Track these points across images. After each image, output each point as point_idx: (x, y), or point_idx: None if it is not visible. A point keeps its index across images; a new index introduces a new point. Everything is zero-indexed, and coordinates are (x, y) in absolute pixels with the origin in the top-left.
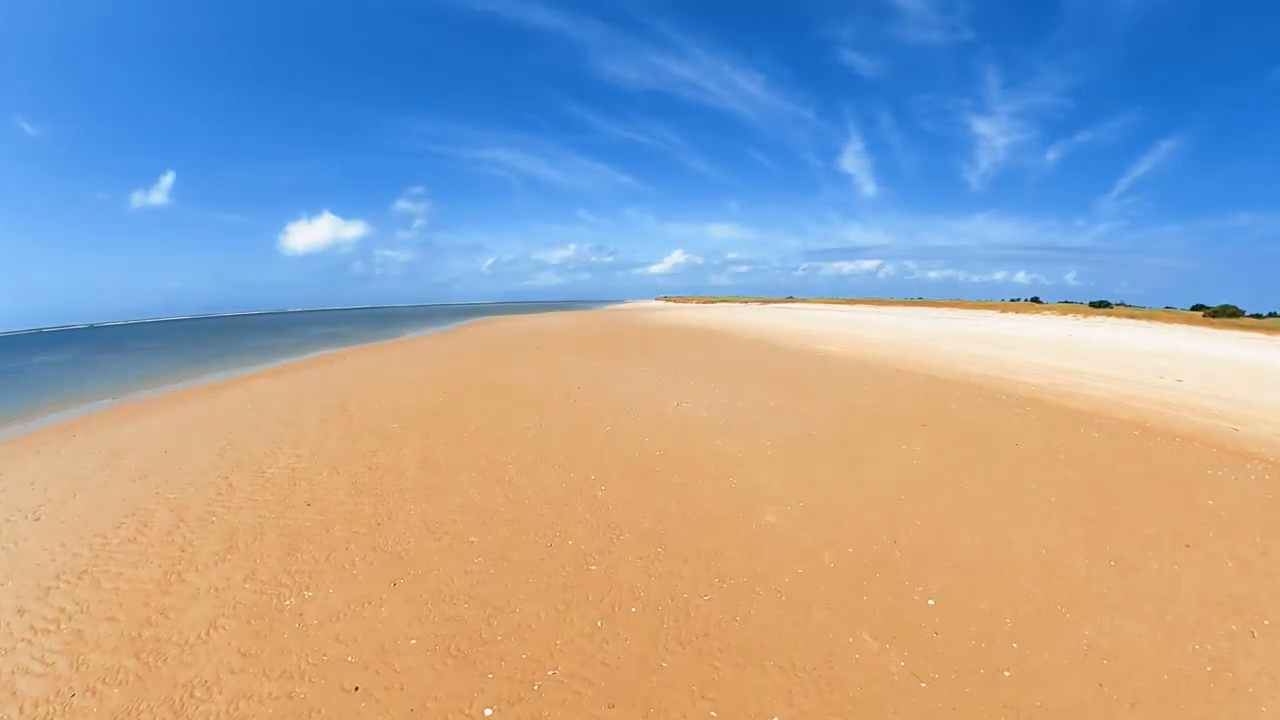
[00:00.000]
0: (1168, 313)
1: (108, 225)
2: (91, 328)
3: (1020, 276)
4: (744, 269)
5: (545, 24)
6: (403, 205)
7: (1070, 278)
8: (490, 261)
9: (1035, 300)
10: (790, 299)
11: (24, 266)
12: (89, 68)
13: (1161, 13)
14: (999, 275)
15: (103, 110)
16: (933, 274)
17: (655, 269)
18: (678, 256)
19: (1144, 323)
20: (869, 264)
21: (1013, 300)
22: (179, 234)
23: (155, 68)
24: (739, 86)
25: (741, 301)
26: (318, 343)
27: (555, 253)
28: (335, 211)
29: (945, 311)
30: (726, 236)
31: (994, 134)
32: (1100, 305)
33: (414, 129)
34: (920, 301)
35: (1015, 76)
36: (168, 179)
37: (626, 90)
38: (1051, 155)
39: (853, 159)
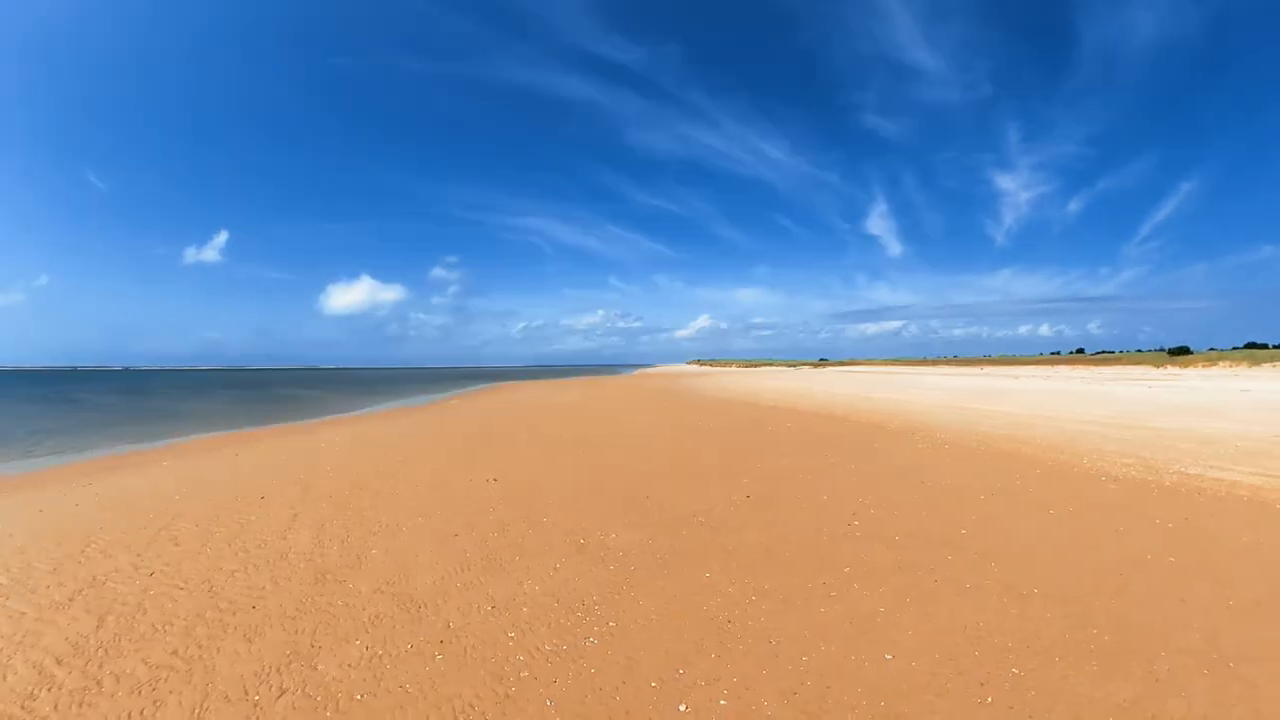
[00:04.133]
0: (1248, 352)
1: (160, 276)
2: (127, 370)
3: (1044, 329)
4: (768, 332)
5: (581, 96)
6: (438, 272)
7: (1094, 327)
8: (521, 326)
9: (1080, 352)
10: (823, 361)
11: (69, 307)
12: (156, 129)
13: (1173, 53)
14: (1023, 329)
15: (167, 169)
16: (957, 331)
17: (680, 333)
18: (703, 321)
19: (1244, 367)
20: (893, 324)
21: (1054, 353)
22: (224, 288)
23: (218, 132)
24: (766, 153)
25: (787, 365)
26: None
27: (583, 318)
28: (374, 275)
29: (1021, 370)
30: (753, 300)
31: (1016, 188)
32: (1180, 352)
33: (451, 196)
34: (978, 360)
35: (1035, 129)
36: (221, 237)
37: (659, 159)
38: (1074, 205)
39: (878, 220)
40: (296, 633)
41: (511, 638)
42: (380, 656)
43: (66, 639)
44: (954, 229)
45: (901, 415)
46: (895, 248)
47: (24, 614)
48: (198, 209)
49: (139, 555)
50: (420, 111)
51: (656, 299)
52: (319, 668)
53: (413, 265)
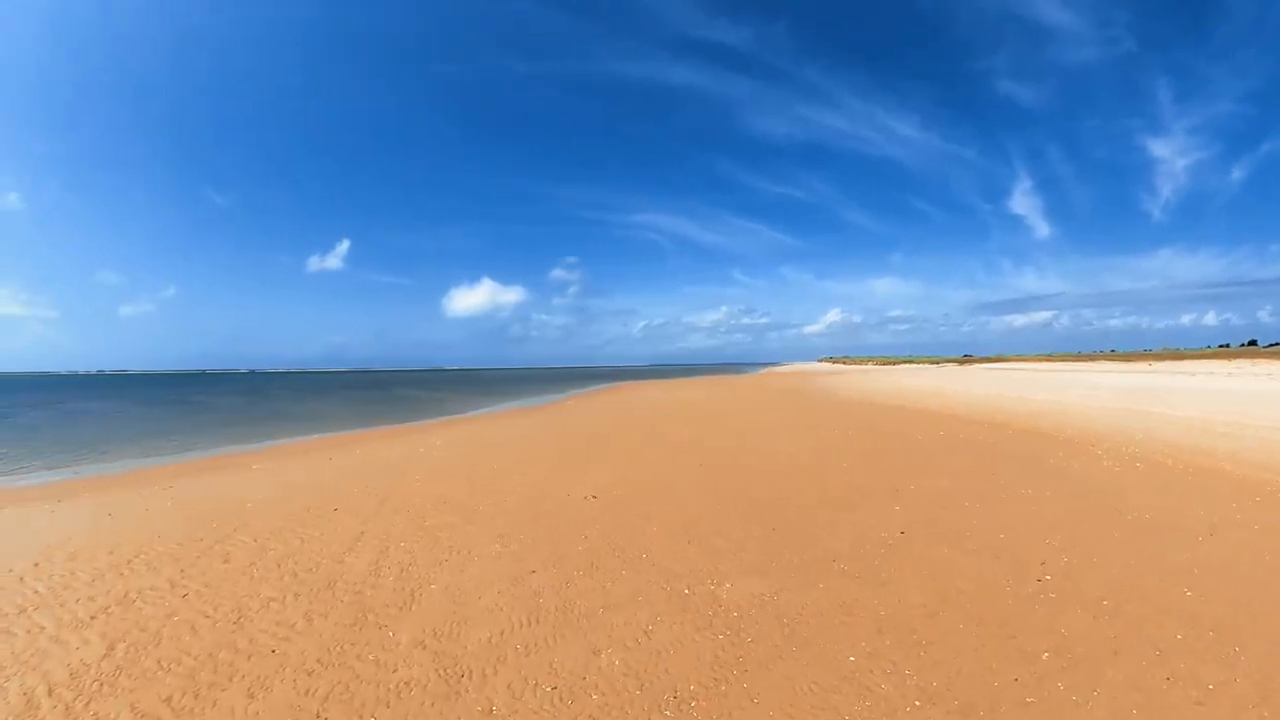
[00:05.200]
0: None
1: (285, 284)
2: (253, 372)
3: (1210, 318)
4: (905, 326)
5: (689, 84)
6: (558, 273)
7: (1264, 314)
8: (641, 325)
9: (1253, 343)
10: (967, 358)
11: (196, 315)
12: (271, 146)
13: None
14: (1186, 319)
15: (290, 183)
16: (1113, 322)
17: (810, 329)
18: (834, 315)
19: None
20: (1042, 315)
21: (1222, 345)
22: (347, 293)
23: (335, 145)
24: (894, 130)
25: (929, 362)
26: (344, 415)
27: (706, 315)
28: (494, 278)
29: (1194, 366)
30: (888, 291)
31: (1171, 155)
32: None
33: (567, 197)
34: (1141, 355)
35: (1186, 86)
36: (344, 245)
37: (777, 144)
38: (1237, 173)
39: (1021, 199)
40: (306, 694)
41: None
42: None
43: (68, 666)
44: (1105, 205)
45: (1070, 420)
46: (1042, 229)
47: (43, 629)
48: (320, 219)
49: (182, 571)
50: (529, 113)
51: (783, 293)
52: None
53: (533, 267)
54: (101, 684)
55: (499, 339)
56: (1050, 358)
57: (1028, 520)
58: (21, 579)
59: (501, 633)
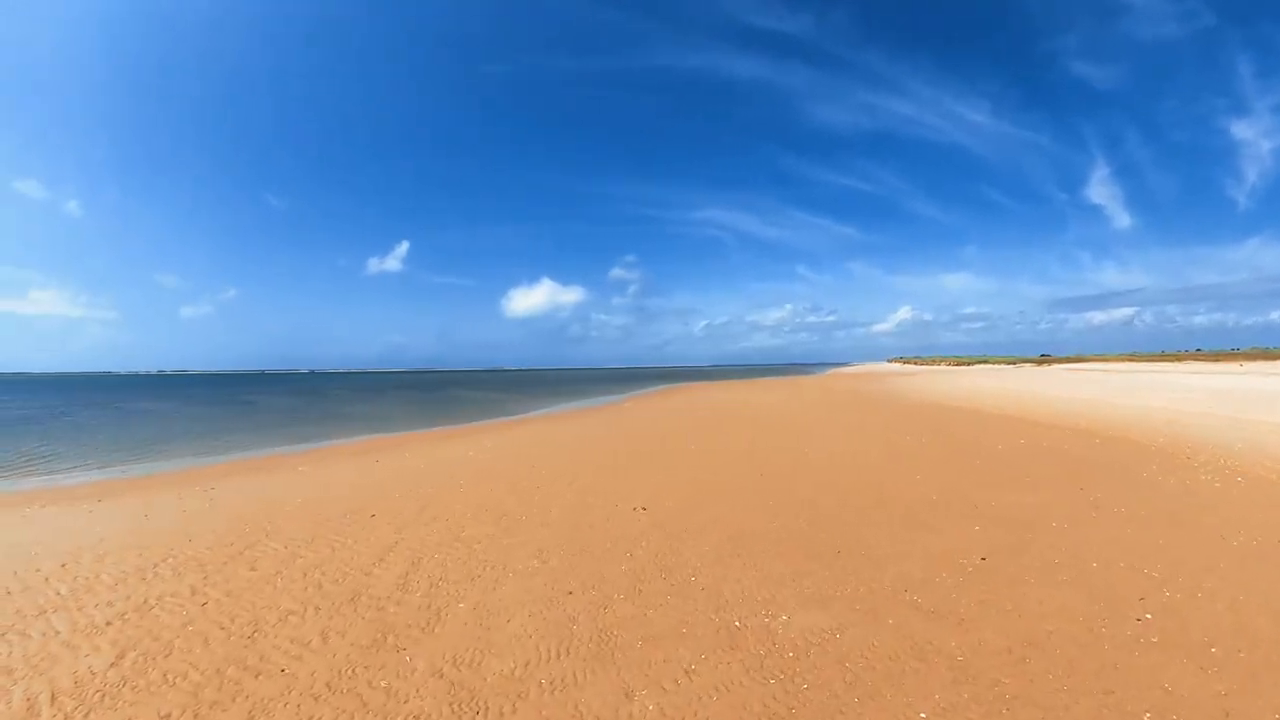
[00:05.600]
0: None
1: (345, 286)
2: (313, 373)
3: None
4: (979, 324)
5: (748, 75)
6: (617, 272)
7: None
8: (703, 324)
9: None
10: (1045, 357)
11: (256, 316)
12: (325, 150)
13: None
14: (1276, 315)
15: (348, 186)
16: (1198, 319)
17: (879, 328)
18: (904, 313)
19: None
20: (1123, 312)
21: None
22: (407, 294)
23: (390, 148)
24: (963, 117)
25: (1005, 362)
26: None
27: (770, 313)
28: (554, 278)
29: None
30: (961, 287)
31: (1256, 136)
32: None
33: (625, 195)
34: (1230, 355)
35: (1270, 61)
36: (402, 247)
37: (841, 134)
38: None
39: (1099, 187)
40: None
41: None
42: None
43: (75, 673)
44: (1188, 192)
45: (1160, 428)
46: (1122, 218)
47: (58, 634)
48: (378, 222)
49: (206, 578)
50: (585, 111)
51: (850, 289)
52: None
53: (592, 266)
54: (104, 695)
55: (558, 339)
56: (1133, 357)
57: (1123, 546)
58: (47, 579)
59: (527, 664)
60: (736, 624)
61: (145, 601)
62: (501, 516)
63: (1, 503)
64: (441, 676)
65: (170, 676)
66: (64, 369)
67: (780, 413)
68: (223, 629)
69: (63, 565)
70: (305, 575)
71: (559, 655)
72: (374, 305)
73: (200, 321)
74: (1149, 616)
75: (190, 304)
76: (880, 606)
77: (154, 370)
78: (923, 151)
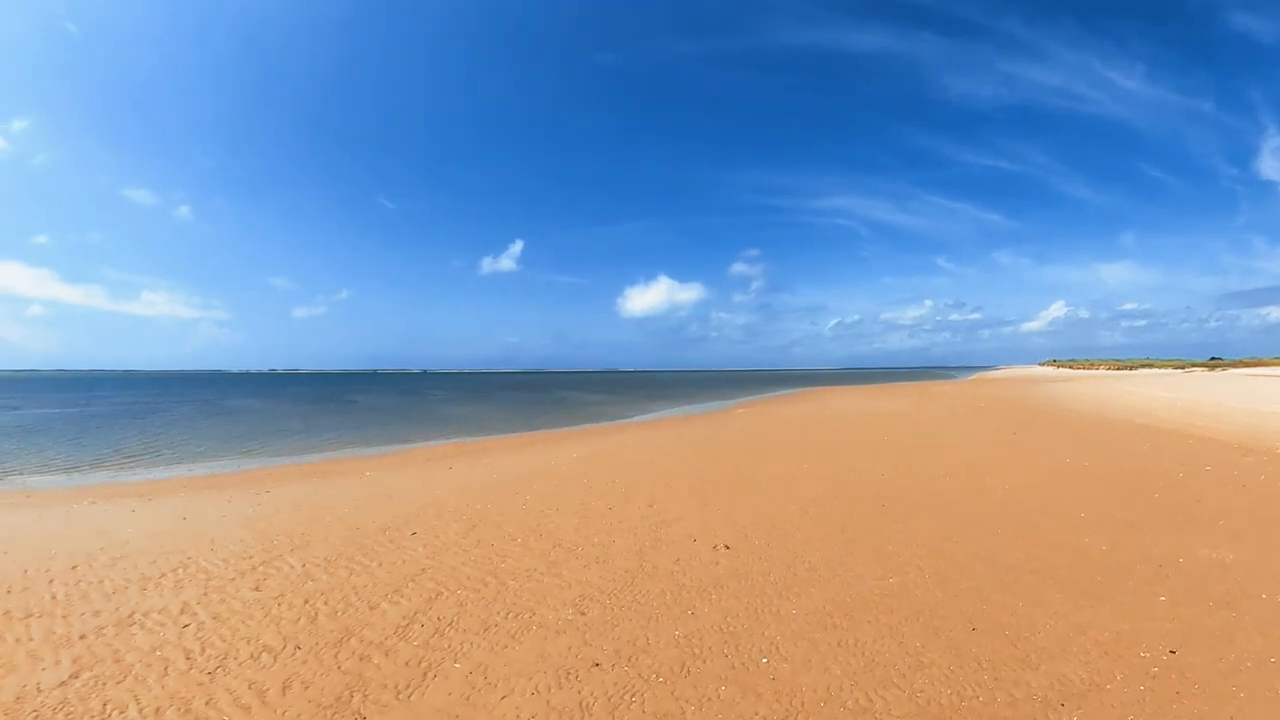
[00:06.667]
0: None
1: (459, 285)
2: (425, 373)
3: None
4: (1140, 322)
5: (873, 48)
6: (739, 268)
7: None
8: (833, 323)
9: None
10: (1216, 361)
11: (369, 317)
12: (437, 150)
13: None
14: None
15: (460, 186)
16: None
17: (1029, 326)
18: (1056, 309)
19: None
20: None
21: None
22: (522, 294)
23: (503, 146)
24: (1114, 84)
25: (1173, 365)
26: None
27: (907, 311)
28: (671, 275)
29: None
30: (1120, 279)
31: None
32: None
33: (745, 184)
34: None
35: None
36: (517, 246)
37: (980, 109)
38: None
39: (1273, 160)
40: None
41: None
42: None
43: (22, 688)
44: None
45: None
46: None
47: (30, 640)
48: (492, 221)
49: (204, 594)
50: (698, 97)
51: (996, 283)
52: None
53: (711, 262)
54: (38, 716)
55: (677, 339)
56: None
57: None
58: (51, 581)
59: None
60: None
61: (131, 615)
62: (555, 546)
63: (53, 498)
64: None
65: (108, 708)
66: (177, 367)
67: (913, 425)
68: (189, 659)
69: (74, 567)
70: (306, 603)
71: None
72: (489, 305)
73: (313, 322)
74: None
75: (303, 305)
76: None
77: (265, 369)
78: (1071, 125)
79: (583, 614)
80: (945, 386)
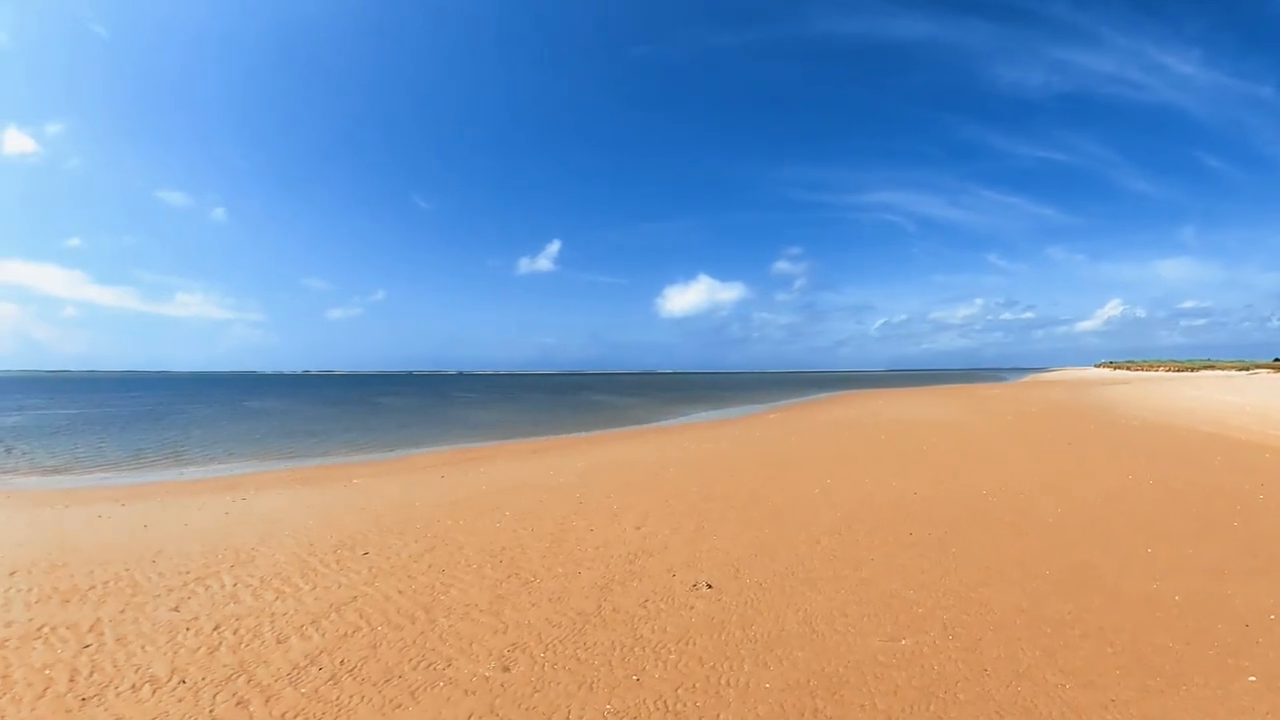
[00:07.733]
0: None
1: (495, 286)
2: (461, 374)
3: None
4: (1200, 321)
5: (918, 36)
6: (781, 266)
7: None
8: (879, 323)
9: None
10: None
11: (404, 318)
12: (471, 148)
13: None
14: None
15: (496, 185)
16: None
17: (1083, 325)
18: (1112, 308)
19: None
20: None
21: None
22: (559, 295)
23: (538, 145)
24: (1169, 69)
25: (1237, 367)
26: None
27: (957, 310)
28: (711, 274)
29: None
30: (1179, 276)
31: None
32: None
33: (787, 179)
34: None
35: None
36: (554, 246)
37: (1030, 98)
38: None
39: None
40: None
41: None
42: None
43: None
44: None
45: None
46: None
47: None
48: (528, 221)
49: (121, 611)
50: (737, 90)
51: (1050, 280)
52: None
53: (753, 260)
54: None
55: (718, 340)
56: None
57: None
58: None
59: None
60: None
61: (40, 629)
62: (511, 575)
63: (31, 501)
64: None
65: None
66: (210, 368)
67: (957, 434)
68: (71, 682)
69: (12, 573)
70: (216, 629)
71: None
72: (525, 306)
73: (348, 323)
74: None
75: (338, 306)
76: None
77: (299, 370)
78: (1125, 113)
79: (505, 670)
80: (995, 390)
